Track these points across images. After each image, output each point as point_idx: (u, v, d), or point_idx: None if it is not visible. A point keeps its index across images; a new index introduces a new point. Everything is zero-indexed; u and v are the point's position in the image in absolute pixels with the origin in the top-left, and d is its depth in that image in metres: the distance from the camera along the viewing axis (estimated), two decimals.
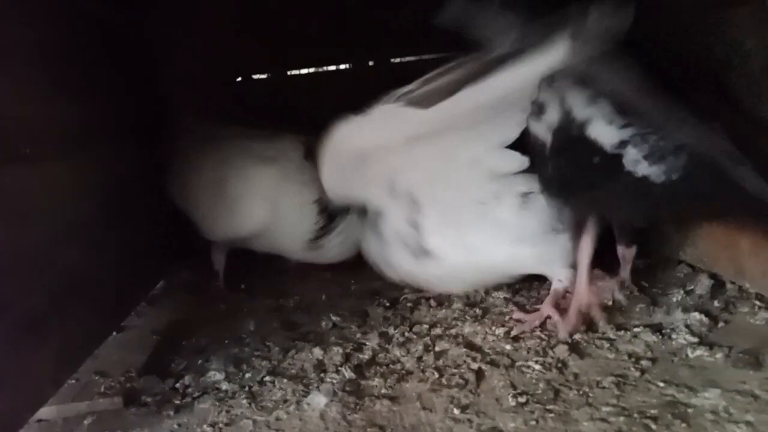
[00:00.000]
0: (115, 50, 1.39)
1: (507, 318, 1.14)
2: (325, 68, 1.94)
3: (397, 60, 1.96)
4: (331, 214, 1.37)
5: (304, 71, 1.95)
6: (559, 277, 1.12)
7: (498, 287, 1.27)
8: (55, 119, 1.03)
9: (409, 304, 1.27)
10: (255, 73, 1.93)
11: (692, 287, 1.15)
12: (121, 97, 1.39)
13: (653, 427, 0.78)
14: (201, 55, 1.71)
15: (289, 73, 1.95)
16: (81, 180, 1.09)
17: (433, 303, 1.26)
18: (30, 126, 0.94)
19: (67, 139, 1.08)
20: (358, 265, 1.42)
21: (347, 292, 1.41)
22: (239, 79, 1.89)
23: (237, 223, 1.39)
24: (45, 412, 0.97)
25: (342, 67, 1.95)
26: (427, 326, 1.15)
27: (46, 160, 0.98)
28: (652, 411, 0.81)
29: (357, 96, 1.76)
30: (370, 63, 1.98)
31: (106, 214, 1.17)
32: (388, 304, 1.28)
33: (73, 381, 1.05)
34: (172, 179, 1.50)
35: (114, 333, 1.25)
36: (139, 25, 1.55)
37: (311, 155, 1.33)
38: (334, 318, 1.24)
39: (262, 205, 1.37)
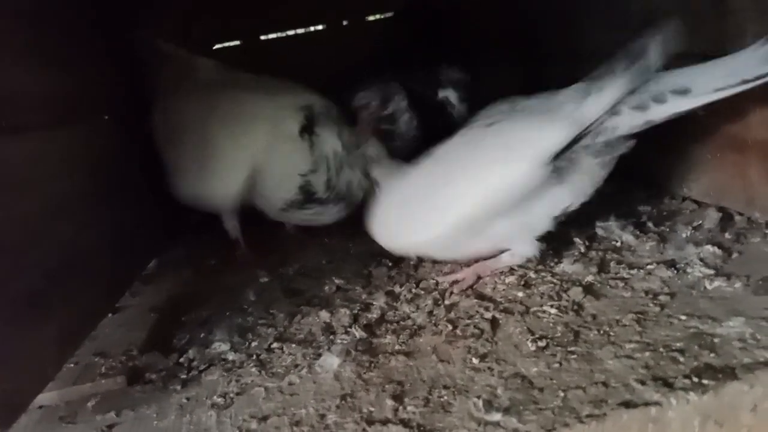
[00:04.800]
0: (98, 22, 1.33)
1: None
2: (298, 31, 1.87)
3: (374, 17, 1.90)
4: (309, 194, 1.32)
5: (277, 35, 1.88)
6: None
7: None
8: (39, 90, 0.99)
9: (412, 263, 1.23)
10: (227, 40, 1.86)
11: (700, 222, 1.12)
12: (109, 72, 1.34)
13: (681, 359, 0.75)
14: (175, 24, 1.65)
15: (262, 38, 1.88)
16: (69, 155, 1.05)
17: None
18: (11, 96, 0.90)
19: (53, 112, 1.03)
20: (356, 228, 1.38)
21: (347, 255, 1.37)
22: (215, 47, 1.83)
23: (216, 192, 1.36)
24: (46, 397, 0.94)
25: (316, 28, 1.89)
26: (434, 281, 1.12)
27: (30, 133, 0.93)
28: (678, 344, 0.79)
29: (334, 57, 1.70)
30: (345, 23, 1.92)
31: (96, 191, 1.13)
32: (390, 264, 1.24)
33: (72, 364, 1.01)
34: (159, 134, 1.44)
35: (110, 314, 1.20)
36: None
37: (310, 126, 1.30)
38: (337, 281, 1.20)
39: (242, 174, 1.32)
